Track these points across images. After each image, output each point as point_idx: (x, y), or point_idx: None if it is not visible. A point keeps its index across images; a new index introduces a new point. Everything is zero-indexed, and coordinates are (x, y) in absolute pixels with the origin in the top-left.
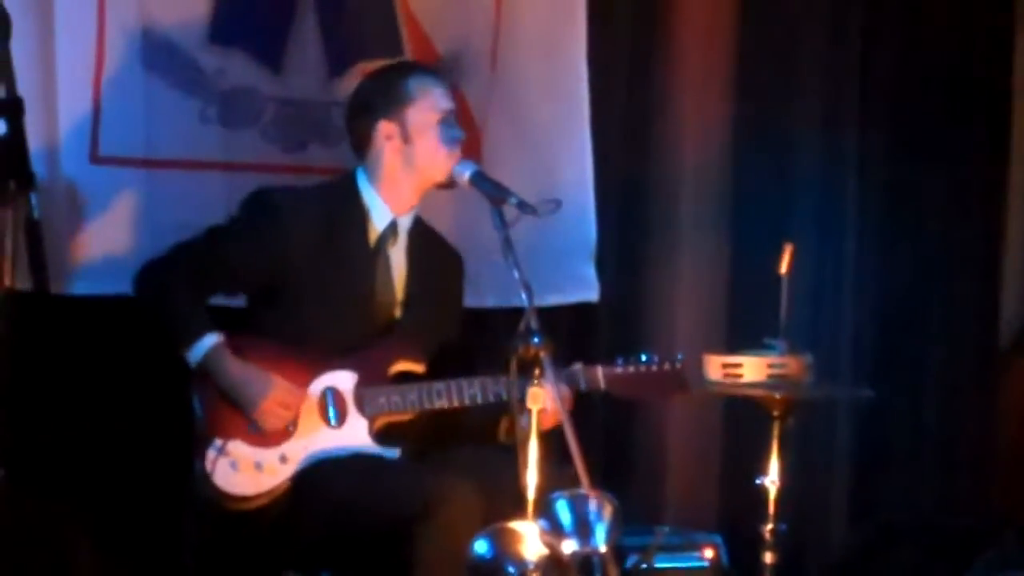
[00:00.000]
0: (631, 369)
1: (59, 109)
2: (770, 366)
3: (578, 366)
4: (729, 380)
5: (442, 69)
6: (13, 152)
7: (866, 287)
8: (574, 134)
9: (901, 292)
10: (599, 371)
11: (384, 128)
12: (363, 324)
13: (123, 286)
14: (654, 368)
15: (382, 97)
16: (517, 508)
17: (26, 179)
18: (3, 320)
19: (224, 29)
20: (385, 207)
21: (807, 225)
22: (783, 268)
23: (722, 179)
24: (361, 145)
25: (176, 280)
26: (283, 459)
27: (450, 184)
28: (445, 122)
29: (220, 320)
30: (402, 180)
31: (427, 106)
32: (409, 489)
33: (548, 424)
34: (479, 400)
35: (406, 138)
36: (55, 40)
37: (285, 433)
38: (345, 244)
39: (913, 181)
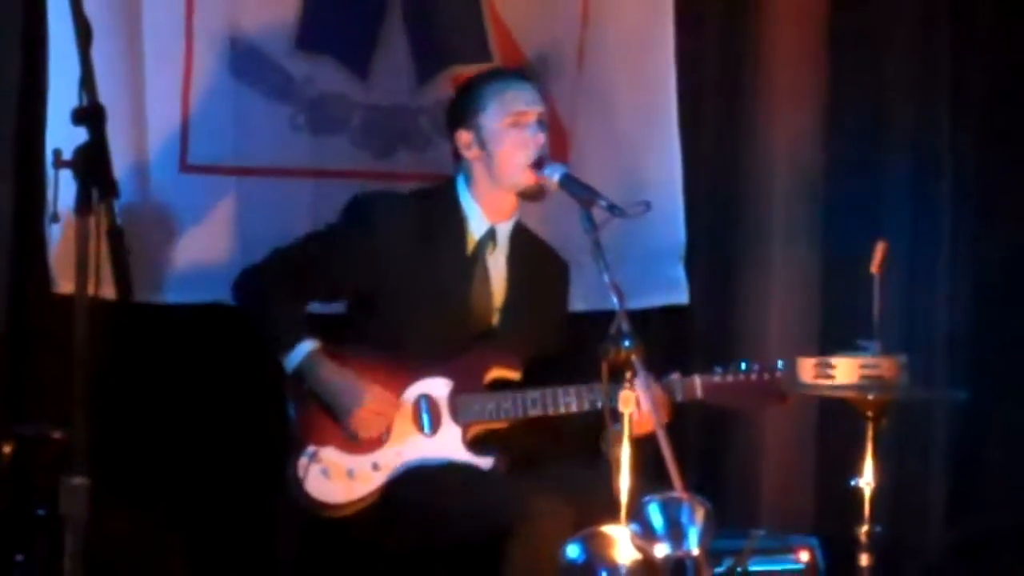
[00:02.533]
0: (729, 378)
1: (148, 119)
2: (862, 367)
3: (675, 375)
4: (821, 382)
5: (528, 72)
6: (96, 160)
7: (960, 286)
8: (663, 135)
9: (996, 290)
10: (696, 381)
11: (462, 137)
12: (459, 331)
13: (215, 294)
14: (753, 377)
15: (460, 106)
16: (610, 518)
17: (109, 187)
18: (89, 329)
19: (311, 36)
20: (482, 214)
21: (900, 224)
22: (875, 267)
23: (813, 179)
24: (454, 154)
25: (274, 286)
26: (375, 467)
27: (536, 196)
28: (518, 125)
29: (320, 327)
30: (493, 189)
31: (500, 111)
32: (501, 503)
33: (642, 429)
34: (574, 408)
35: (482, 145)
36: (143, 50)
37: (378, 440)
38: (442, 251)
39: (1006, 177)
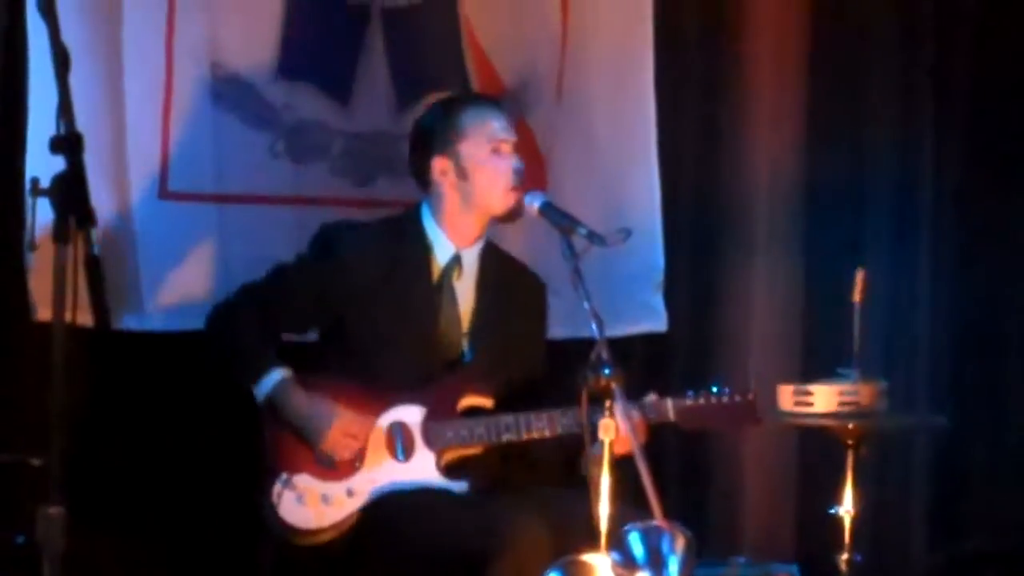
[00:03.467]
0: (701, 401)
1: (128, 146)
2: (841, 394)
3: (650, 397)
4: (800, 410)
5: (506, 99)
6: (73, 188)
7: (942, 312)
8: (642, 162)
9: (978, 317)
10: (669, 403)
11: (438, 164)
12: (428, 359)
13: (195, 321)
14: (725, 400)
15: (435, 133)
16: (587, 544)
17: (86, 215)
18: (65, 356)
19: (292, 63)
20: (448, 241)
21: (882, 251)
22: (856, 295)
23: (794, 206)
24: (421, 180)
25: (243, 319)
26: (350, 493)
27: (512, 218)
28: (500, 153)
29: (293, 357)
30: (462, 214)
31: (481, 139)
32: (477, 526)
33: (619, 450)
34: (547, 434)
35: (461, 173)
36: (123, 77)
37: (352, 467)
38: (407, 280)
39: (989, 206)
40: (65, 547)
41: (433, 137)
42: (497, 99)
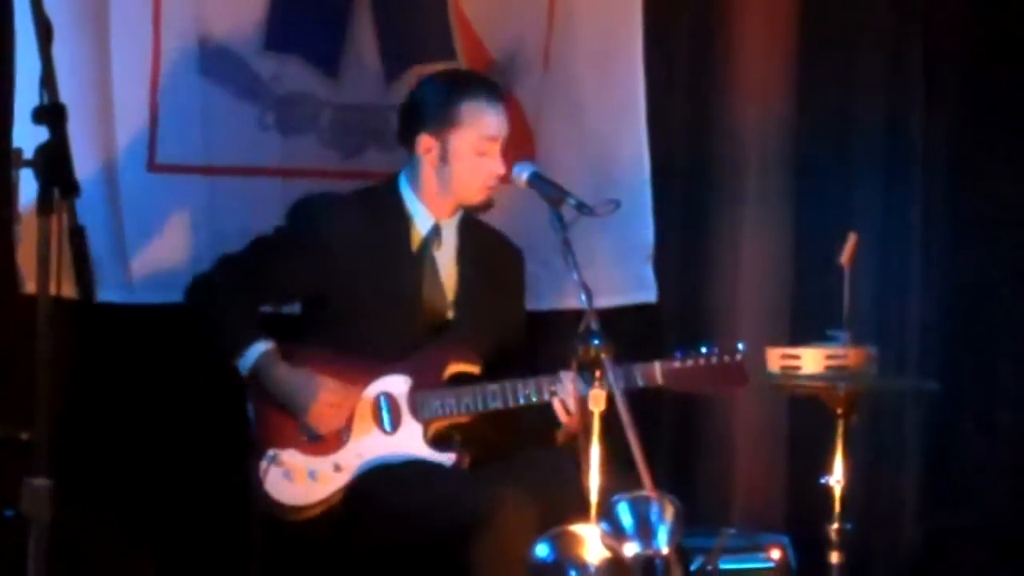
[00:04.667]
0: (689, 362)
1: (116, 118)
2: (828, 357)
3: (636, 364)
4: (788, 372)
5: (494, 70)
6: (56, 159)
7: (934, 277)
8: (631, 133)
9: (970, 281)
10: (656, 367)
11: (424, 141)
12: (413, 328)
13: (182, 294)
14: (713, 360)
15: (431, 110)
16: (577, 514)
17: (70, 186)
18: (51, 329)
19: (279, 35)
20: (427, 212)
21: (871, 217)
22: (845, 259)
23: (785, 172)
24: (405, 146)
25: (224, 292)
26: (337, 468)
27: (481, 210)
28: (485, 154)
29: (275, 329)
30: (437, 193)
31: (471, 135)
32: (464, 498)
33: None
34: (534, 400)
35: (443, 158)
36: (111, 50)
37: (339, 441)
38: (388, 248)
39: (980, 168)
40: (52, 519)
41: (427, 113)
42: (498, 90)
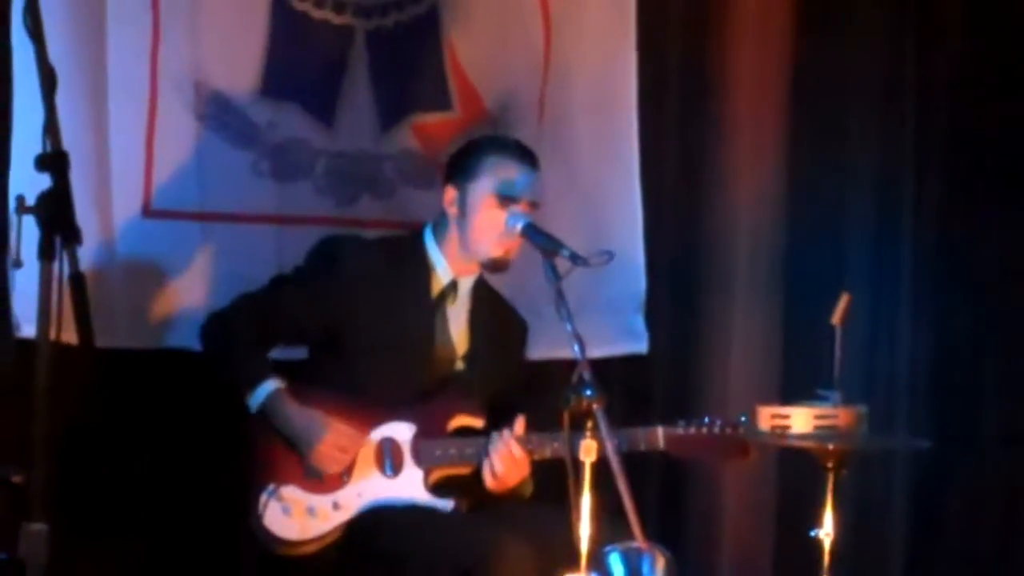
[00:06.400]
0: (692, 431)
1: (112, 164)
2: (818, 417)
3: (639, 428)
4: (777, 431)
5: (487, 121)
6: (59, 206)
7: (922, 337)
8: (624, 184)
9: (958, 342)
10: (659, 431)
11: (448, 192)
12: (422, 376)
13: (179, 340)
14: (716, 431)
15: (457, 162)
16: (570, 563)
17: (72, 233)
18: (50, 373)
19: (276, 83)
20: (447, 266)
21: (862, 275)
22: (837, 318)
23: (775, 229)
24: (440, 200)
25: (240, 329)
26: (336, 506)
27: (499, 267)
28: (502, 207)
29: (283, 373)
30: (458, 249)
31: (488, 186)
32: (461, 544)
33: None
34: (535, 457)
35: (463, 209)
36: (108, 96)
37: (340, 481)
38: (406, 297)
39: (969, 230)
40: (48, 563)
41: (455, 166)
42: (531, 156)
